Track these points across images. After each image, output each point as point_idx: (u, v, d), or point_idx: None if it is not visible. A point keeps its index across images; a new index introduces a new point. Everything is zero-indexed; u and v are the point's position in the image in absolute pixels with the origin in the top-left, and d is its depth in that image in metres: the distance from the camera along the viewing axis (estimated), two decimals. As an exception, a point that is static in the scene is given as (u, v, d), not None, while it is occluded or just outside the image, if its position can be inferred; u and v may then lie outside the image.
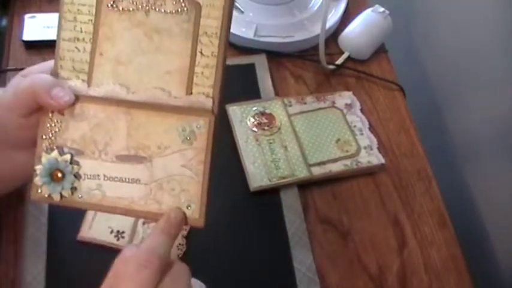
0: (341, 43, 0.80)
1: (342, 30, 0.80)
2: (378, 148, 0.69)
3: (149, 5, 0.43)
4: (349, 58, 0.78)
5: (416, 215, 0.66)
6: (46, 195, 0.44)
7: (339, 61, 0.78)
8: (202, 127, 0.43)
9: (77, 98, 0.44)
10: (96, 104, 0.44)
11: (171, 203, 0.43)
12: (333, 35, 0.80)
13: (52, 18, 0.76)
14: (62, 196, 0.44)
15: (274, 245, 0.62)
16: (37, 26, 0.75)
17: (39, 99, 0.44)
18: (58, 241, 0.59)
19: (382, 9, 0.79)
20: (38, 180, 0.44)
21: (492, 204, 0.76)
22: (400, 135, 0.72)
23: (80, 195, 0.44)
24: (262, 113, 0.70)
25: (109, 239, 0.59)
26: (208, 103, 0.43)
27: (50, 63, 0.46)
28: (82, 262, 0.58)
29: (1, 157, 0.49)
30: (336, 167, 0.67)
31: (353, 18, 0.80)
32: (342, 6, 0.82)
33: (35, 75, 0.45)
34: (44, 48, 0.74)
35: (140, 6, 0.43)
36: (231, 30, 0.45)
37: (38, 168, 0.44)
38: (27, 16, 0.76)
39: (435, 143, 0.83)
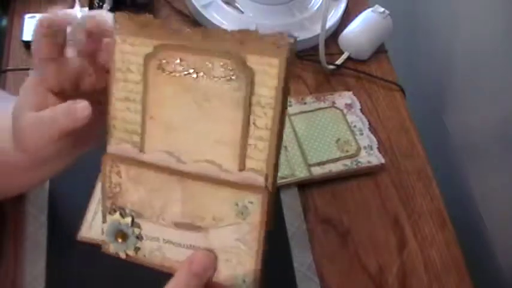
0: (341, 43, 0.80)
1: (342, 30, 0.80)
2: (378, 148, 0.69)
3: (197, 70, 0.39)
4: (349, 58, 0.78)
5: (417, 215, 0.66)
6: (114, 252, 0.44)
7: (339, 61, 0.78)
8: (255, 204, 0.40)
9: (133, 161, 0.42)
10: (149, 170, 0.42)
11: (227, 273, 0.42)
12: (333, 35, 0.80)
13: (52, 18, 0.76)
14: (127, 255, 0.44)
15: (274, 245, 0.61)
16: (37, 26, 0.75)
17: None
18: (58, 241, 0.59)
19: (382, 9, 0.79)
20: (105, 237, 0.44)
21: (492, 204, 0.76)
22: (400, 135, 0.72)
23: (144, 254, 0.44)
24: (262, 113, 0.70)
25: (109, 239, 0.59)
26: (261, 179, 0.40)
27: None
28: (82, 262, 0.58)
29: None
30: (336, 167, 0.67)
31: (353, 18, 0.80)
32: (342, 6, 0.82)
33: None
34: (44, 48, 0.74)
35: (188, 71, 0.39)
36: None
37: (104, 226, 0.44)
38: (27, 16, 0.76)
39: (435, 143, 0.83)
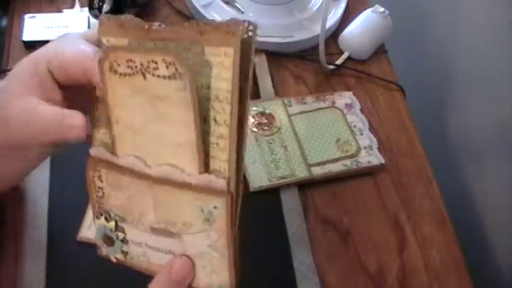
0: (341, 43, 0.80)
1: (342, 30, 0.80)
2: (378, 148, 0.69)
3: (143, 69, 0.37)
4: (349, 58, 0.78)
5: (416, 215, 0.66)
6: (105, 255, 0.44)
7: (339, 61, 0.78)
8: (219, 208, 0.38)
9: (112, 165, 0.41)
10: (123, 175, 0.40)
11: (206, 280, 0.41)
12: (333, 35, 0.80)
13: (52, 18, 0.76)
14: (116, 258, 0.44)
15: (274, 245, 0.61)
16: (37, 26, 0.75)
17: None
18: (58, 241, 0.59)
19: (382, 9, 0.79)
20: (96, 241, 0.44)
21: (492, 204, 0.77)
22: (400, 135, 0.72)
23: (132, 258, 0.43)
24: (262, 113, 0.70)
25: (109, 239, 0.59)
26: (223, 182, 0.37)
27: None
28: (82, 262, 0.58)
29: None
30: (336, 167, 0.67)
31: (353, 18, 0.80)
32: (342, 6, 0.82)
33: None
34: (44, 48, 0.74)
35: (136, 71, 0.37)
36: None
37: (95, 229, 0.44)
38: (27, 16, 0.76)
39: (435, 143, 0.83)
